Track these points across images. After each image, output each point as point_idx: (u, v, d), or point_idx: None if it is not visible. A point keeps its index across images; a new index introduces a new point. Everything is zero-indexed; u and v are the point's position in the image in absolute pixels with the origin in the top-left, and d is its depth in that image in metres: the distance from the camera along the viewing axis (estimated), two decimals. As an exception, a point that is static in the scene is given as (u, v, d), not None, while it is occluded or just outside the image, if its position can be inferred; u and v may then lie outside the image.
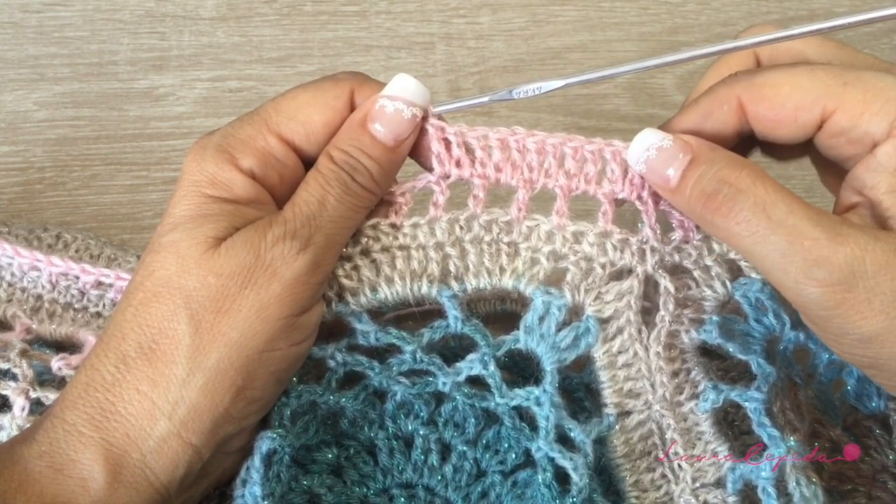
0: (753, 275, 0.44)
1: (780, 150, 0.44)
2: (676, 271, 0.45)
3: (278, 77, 0.65)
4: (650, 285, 0.44)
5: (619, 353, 0.44)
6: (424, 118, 0.43)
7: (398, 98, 0.41)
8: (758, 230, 0.37)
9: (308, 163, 0.42)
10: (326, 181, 0.41)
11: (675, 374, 0.44)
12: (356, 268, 0.44)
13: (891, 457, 0.47)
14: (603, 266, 0.43)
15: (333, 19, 0.67)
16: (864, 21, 0.39)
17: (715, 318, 0.44)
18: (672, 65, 0.42)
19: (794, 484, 0.40)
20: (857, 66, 0.39)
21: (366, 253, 0.44)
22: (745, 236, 0.37)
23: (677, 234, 0.44)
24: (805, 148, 0.43)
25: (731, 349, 0.43)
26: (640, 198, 0.43)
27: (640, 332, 0.44)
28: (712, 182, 0.38)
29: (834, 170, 0.42)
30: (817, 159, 0.43)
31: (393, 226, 0.44)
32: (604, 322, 0.44)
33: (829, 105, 0.38)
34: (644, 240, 0.43)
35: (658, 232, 0.43)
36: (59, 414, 0.38)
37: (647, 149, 0.40)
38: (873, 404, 0.47)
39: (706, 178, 0.38)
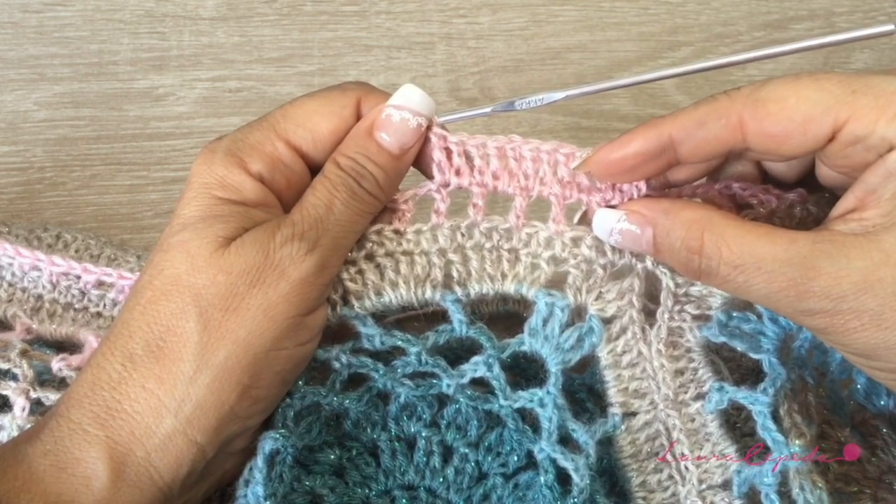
0: None
1: (778, 173, 0.43)
2: None
3: (278, 77, 0.65)
4: (654, 285, 0.44)
5: (624, 352, 0.44)
6: (428, 128, 0.43)
7: (404, 108, 0.42)
8: (738, 286, 0.38)
9: (314, 169, 0.43)
10: (333, 186, 0.41)
11: (679, 372, 0.44)
12: (361, 272, 0.44)
13: (898, 457, 0.47)
14: (604, 267, 0.44)
15: (333, 19, 0.67)
16: (856, 38, 0.39)
17: (720, 315, 0.44)
18: (670, 78, 0.42)
19: (798, 489, 0.40)
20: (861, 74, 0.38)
21: (370, 258, 0.44)
22: (731, 290, 0.39)
23: None
24: (805, 171, 0.42)
25: (739, 347, 0.43)
26: None
27: (643, 330, 0.44)
28: (682, 252, 0.39)
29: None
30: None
31: (396, 232, 0.44)
32: (607, 322, 0.44)
33: (841, 115, 0.36)
34: None
35: None
36: (64, 413, 0.38)
37: (611, 233, 0.41)
38: (882, 402, 0.47)
39: (675, 249, 0.39)
